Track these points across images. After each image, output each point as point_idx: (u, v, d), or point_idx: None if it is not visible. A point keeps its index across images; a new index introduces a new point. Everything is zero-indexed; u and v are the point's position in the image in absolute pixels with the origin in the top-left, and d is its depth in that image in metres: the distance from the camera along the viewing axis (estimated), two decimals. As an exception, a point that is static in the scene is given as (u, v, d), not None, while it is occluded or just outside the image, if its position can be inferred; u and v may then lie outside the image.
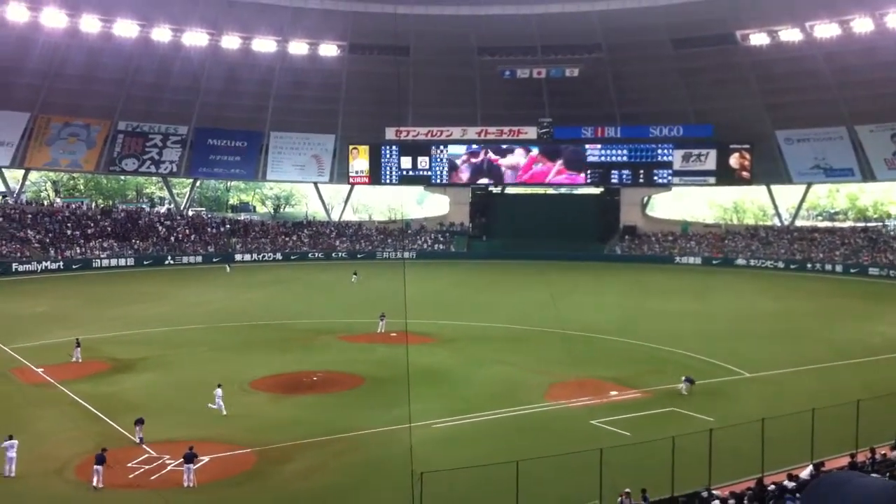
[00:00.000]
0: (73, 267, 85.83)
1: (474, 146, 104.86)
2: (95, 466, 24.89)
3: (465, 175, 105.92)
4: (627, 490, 21.71)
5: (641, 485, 22.06)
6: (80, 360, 41.68)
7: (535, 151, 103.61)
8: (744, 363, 41.90)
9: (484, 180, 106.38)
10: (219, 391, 33.36)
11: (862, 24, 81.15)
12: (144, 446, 28.44)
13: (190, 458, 25.44)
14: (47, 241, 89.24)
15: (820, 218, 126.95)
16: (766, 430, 24.94)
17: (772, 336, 50.70)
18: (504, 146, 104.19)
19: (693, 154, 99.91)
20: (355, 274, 78.73)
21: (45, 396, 35.68)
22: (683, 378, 36.69)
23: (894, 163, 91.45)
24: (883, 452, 24.48)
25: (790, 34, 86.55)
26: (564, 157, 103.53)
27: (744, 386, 38.29)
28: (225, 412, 32.73)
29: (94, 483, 24.80)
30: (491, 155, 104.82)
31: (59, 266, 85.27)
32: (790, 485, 21.29)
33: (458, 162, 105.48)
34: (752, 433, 25.39)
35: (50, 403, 34.57)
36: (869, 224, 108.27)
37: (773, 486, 21.49)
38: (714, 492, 22.12)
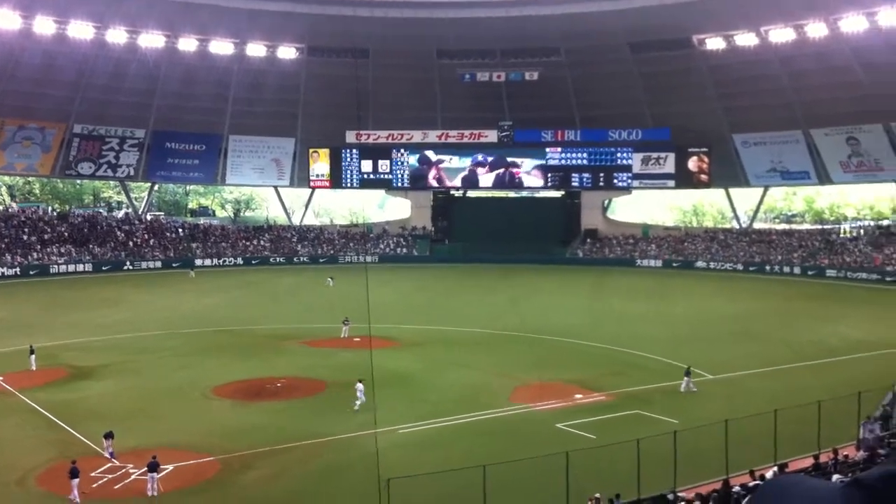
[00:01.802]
0: (30, 273, 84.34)
1: (435, 151, 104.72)
2: (72, 480, 24.31)
3: (428, 178, 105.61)
4: (597, 495, 21.71)
5: (608, 487, 22.14)
6: (34, 368, 40.98)
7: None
8: (706, 365, 42.10)
9: (446, 183, 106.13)
10: (360, 385, 33.69)
11: (816, 29, 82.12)
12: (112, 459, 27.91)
13: (153, 466, 25.13)
14: (3, 246, 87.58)
15: (777, 220, 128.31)
16: (729, 431, 25.16)
17: (733, 338, 51.15)
18: (463, 149, 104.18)
19: (652, 157, 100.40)
20: (331, 278, 78.12)
21: (3, 405, 35.06)
22: (684, 373, 37.39)
23: (849, 166, 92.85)
24: (846, 454, 24.76)
25: (746, 39, 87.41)
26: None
27: (707, 388, 38.54)
28: (357, 407, 33.32)
29: (73, 497, 24.26)
30: (452, 158, 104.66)
31: (15, 272, 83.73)
32: (754, 483, 21.47)
33: (420, 165, 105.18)
34: (716, 435, 25.58)
35: (9, 412, 33.98)
36: (825, 226, 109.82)
37: (737, 488, 21.67)
38: (680, 494, 22.27)
